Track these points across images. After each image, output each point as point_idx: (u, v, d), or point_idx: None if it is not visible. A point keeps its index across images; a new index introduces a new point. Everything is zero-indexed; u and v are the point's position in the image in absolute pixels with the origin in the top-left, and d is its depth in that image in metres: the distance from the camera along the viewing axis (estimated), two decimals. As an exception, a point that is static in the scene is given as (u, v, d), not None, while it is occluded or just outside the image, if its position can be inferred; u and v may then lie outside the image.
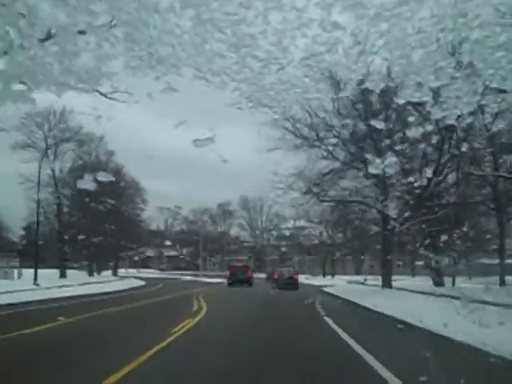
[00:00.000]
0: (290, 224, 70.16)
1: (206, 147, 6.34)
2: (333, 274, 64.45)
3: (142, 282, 39.58)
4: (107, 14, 5.68)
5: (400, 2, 6.24)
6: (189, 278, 57.76)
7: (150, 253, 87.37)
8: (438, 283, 25.39)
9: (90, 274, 47.23)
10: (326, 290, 28.46)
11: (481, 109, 7.76)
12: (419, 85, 6.23)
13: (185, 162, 71.31)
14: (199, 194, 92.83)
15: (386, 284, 24.84)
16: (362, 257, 67.36)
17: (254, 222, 78.85)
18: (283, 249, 76.51)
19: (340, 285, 34.17)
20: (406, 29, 6.36)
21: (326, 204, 28.68)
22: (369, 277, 48.51)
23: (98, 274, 52.79)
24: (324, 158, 25.60)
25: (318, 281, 47.89)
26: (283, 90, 6.24)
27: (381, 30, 6.17)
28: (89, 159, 47.00)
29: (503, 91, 7.20)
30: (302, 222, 66.72)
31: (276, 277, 33.12)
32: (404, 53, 6.14)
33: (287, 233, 69.66)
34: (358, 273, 67.31)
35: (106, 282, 33.96)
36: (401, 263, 65.48)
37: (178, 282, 47.24)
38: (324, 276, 64.14)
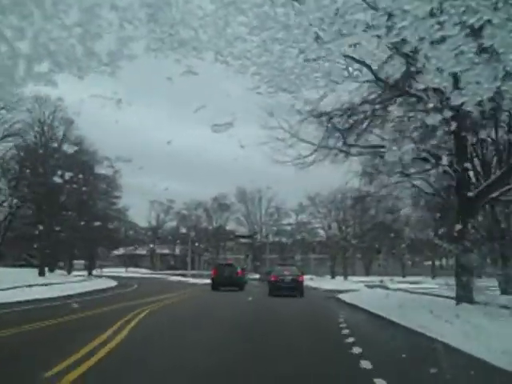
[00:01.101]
0: (292, 219, 69.46)
1: (225, 132, 6.64)
2: (345, 275, 61.53)
3: (112, 284, 35.68)
4: (130, -5, 5.94)
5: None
6: (176, 278, 56.70)
7: (141, 251, 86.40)
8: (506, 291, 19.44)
9: (41, 273, 41.86)
10: (344, 298, 21.67)
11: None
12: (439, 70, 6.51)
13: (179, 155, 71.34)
14: (193, 187, 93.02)
15: (465, 295, 14.38)
16: (379, 254, 65.51)
17: (252, 216, 76.46)
18: (284, 246, 74.35)
19: (361, 290, 27.34)
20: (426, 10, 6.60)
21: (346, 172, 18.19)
22: (381, 278, 47.88)
23: (62, 272, 50.79)
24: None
25: (326, 283, 42.02)
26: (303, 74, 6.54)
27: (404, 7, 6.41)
28: (40, 129, 44.05)
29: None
30: (305, 216, 66.25)
31: (273, 279, 25.56)
32: (426, 34, 6.40)
33: (289, 228, 68.75)
34: (367, 273, 65.90)
35: (57, 284, 29.02)
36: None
37: (159, 282, 43.82)
38: (333, 277, 61.22)
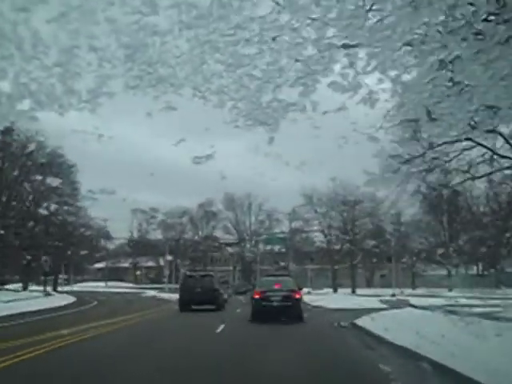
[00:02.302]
0: (285, 227, 67.71)
1: (205, 164, 7.19)
2: (353, 288, 55.64)
3: (66, 302, 34.22)
4: (107, 36, 6.48)
5: (391, 24, 7.08)
6: (152, 293, 55.35)
7: (124, 264, 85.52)
8: None
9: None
10: (370, 328, 14.20)
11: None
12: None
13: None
14: (176, 194, 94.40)
15: None
16: (390, 263, 56.23)
17: (241, 224, 75.08)
18: (277, 255, 71.75)
19: (387, 313, 18.84)
20: (398, 49, 7.20)
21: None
22: (384, 290, 46.03)
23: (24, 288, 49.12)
24: None
25: (330, 299, 34.90)
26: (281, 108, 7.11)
27: (374, 50, 7.01)
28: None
29: (497, 108, 8.04)
30: (300, 222, 63.95)
31: (257, 296, 19.07)
32: (397, 73, 7.00)
33: (281, 236, 66.60)
34: (369, 285, 64.01)
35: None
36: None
37: (127, 299, 41.44)
38: (335, 290, 56.07)
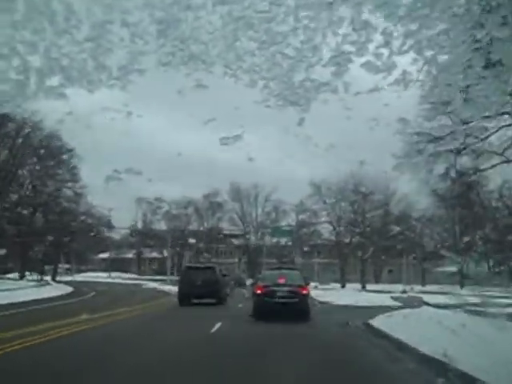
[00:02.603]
0: (292, 219, 67.10)
1: (233, 145, 7.15)
2: (363, 284, 54.21)
3: (62, 292, 34.10)
4: (141, 10, 6.42)
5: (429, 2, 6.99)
6: (154, 284, 54.93)
7: (128, 254, 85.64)
8: None
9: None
10: (386, 330, 12.78)
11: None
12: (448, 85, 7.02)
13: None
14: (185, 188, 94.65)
15: None
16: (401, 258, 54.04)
17: (247, 215, 74.67)
18: (283, 248, 71.11)
19: (402, 313, 15.84)
20: (435, 27, 7.11)
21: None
22: (393, 286, 44.84)
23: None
24: None
25: (339, 295, 34.06)
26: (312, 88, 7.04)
27: (410, 29, 6.92)
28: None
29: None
30: (308, 213, 62.83)
31: (259, 291, 17.70)
32: (433, 53, 6.91)
33: (288, 229, 65.03)
34: (377, 281, 62.63)
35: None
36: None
37: (128, 290, 41.38)
38: (343, 285, 55.00)
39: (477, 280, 49.15)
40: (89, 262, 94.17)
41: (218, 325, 14.44)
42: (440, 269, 60.66)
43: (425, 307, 18.27)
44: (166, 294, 36.56)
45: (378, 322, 14.54)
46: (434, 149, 14.95)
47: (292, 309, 16.97)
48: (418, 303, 22.91)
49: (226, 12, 6.86)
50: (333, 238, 61.43)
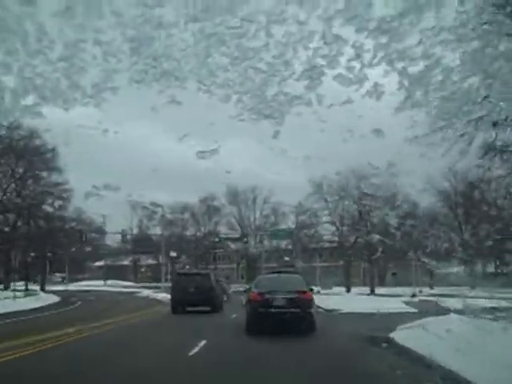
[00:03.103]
0: (291, 222, 65.98)
1: (210, 159, 7.35)
2: (372, 288, 49.42)
3: (42, 304, 32.34)
4: (113, 29, 6.63)
5: (399, 15, 7.22)
6: (148, 292, 53.81)
7: (125, 261, 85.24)
8: None
9: None
10: (419, 350, 9.75)
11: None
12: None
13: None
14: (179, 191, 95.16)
15: None
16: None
17: (245, 219, 74.63)
18: (283, 252, 70.50)
19: (431, 324, 13.00)
20: (405, 41, 7.33)
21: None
22: (400, 290, 42.72)
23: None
24: None
25: (342, 300, 31.00)
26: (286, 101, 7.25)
27: (380, 42, 7.14)
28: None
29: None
30: (308, 214, 61.12)
31: (255, 299, 15.19)
32: (404, 65, 7.13)
33: (287, 231, 63.17)
34: (381, 284, 59.66)
35: None
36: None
37: (117, 299, 40.21)
38: (348, 290, 51.30)
39: (484, 281, 48.49)
40: (85, 271, 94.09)
41: (200, 344, 12.03)
42: (444, 270, 58.58)
43: (450, 315, 14.95)
44: (158, 302, 35.54)
45: (401, 336, 11.97)
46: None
47: (293, 320, 14.57)
48: (436, 309, 21.52)
49: (198, 29, 7.09)
50: (336, 238, 57.83)
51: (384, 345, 11.65)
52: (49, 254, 55.92)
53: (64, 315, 24.44)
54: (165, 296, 41.86)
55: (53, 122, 7.32)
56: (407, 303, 26.84)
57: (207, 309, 23.68)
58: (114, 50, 6.83)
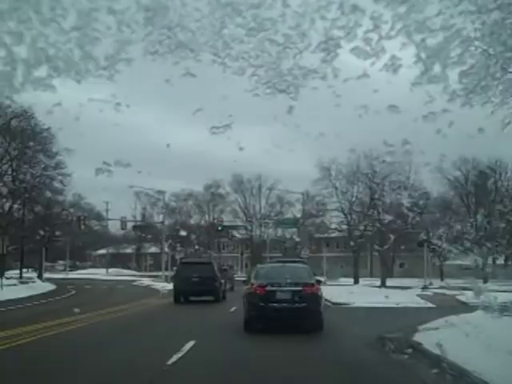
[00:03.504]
0: (297, 211, 65.36)
1: (223, 134, 7.33)
2: (383, 280, 46.15)
3: (32, 292, 32.08)
4: (127, -2, 6.55)
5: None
6: (147, 281, 53.74)
7: (127, 250, 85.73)
8: None
9: None
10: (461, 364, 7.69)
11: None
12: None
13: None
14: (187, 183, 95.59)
15: None
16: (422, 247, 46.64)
17: (250, 208, 74.47)
18: (288, 242, 69.91)
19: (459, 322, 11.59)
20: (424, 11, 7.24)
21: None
22: (410, 281, 42.06)
23: None
24: None
25: (352, 292, 28.57)
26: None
27: (399, 12, 7.05)
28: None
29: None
30: (314, 205, 59.68)
31: (255, 291, 13.81)
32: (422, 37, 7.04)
33: (293, 220, 62.74)
34: (389, 275, 56.61)
35: None
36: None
37: (115, 288, 40.37)
38: (357, 281, 49.62)
39: (495, 274, 47.88)
40: (88, 259, 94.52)
41: (187, 346, 10.33)
42: (449, 262, 58.41)
43: (477, 312, 13.13)
44: (155, 292, 35.48)
45: (430, 340, 9.85)
46: None
47: (298, 316, 13.32)
48: (453, 304, 20.08)
49: (214, -1, 6.99)
50: (344, 227, 55.16)
51: (409, 351, 9.88)
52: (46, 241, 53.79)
53: (47, 307, 23.52)
54: (164, 286, 42.03)
55: (64, 96, 7.27)
56: (422, 297, 25.54)
57: (210, 298, 23.97)
58: (128, 19, 6.77)
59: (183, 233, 65.40)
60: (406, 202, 46.31)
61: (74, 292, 34.92)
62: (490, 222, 50.16)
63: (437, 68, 7.70)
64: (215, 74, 7.59)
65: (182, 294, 24.21)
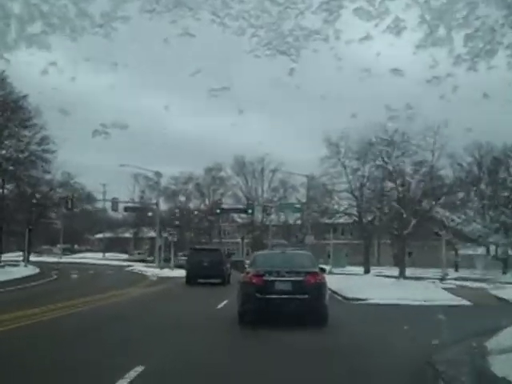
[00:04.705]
0: (302, 194, 63.67)
1: (222, 97, 7.33)
2: (402, 270, 39.87)
3: (6, 278, 30.19)
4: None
5: None
6: (140, 266, 53.16)
7: (125, 234, 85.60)
8: None
9: None
10: None
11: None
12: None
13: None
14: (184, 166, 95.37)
15: None
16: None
17: (252, 192, 73.74)
18: (292, 227, 68.95)
19: None
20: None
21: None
22: (424, 271, 40.15)
23: None
24: None
25: (367, 284, 26.38)
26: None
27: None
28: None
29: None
30: (320, 185, 57.26)
31: (250, 281, 12.58)
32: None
33: (297, 204, 61.13)
34: (397, 264, 54.89)
35: None
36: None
37: (105, 274, 39.50)
38: (367, 271, 46.81)
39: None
40: (86, 243, 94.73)
41: (131, 374, 6.89)
42: (462, 252, 56.17)
43: None
44: (142, 279, 35.33)
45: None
46: None
47: (299, 309, 12.24)
48: (491, 301, 18.34)
49: (213, -46, 6.97)
50: (354, 212, 50.23)
51: None
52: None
53: (12, 295, 21.22)
54: (154, 271, 42.52)
55: (59, 55, 7.26)
56: (449, 291, 22.99)
57: (218, 281, 27.49)
58: (125, -25, 6.76)
59: (177, 222, 65.31)
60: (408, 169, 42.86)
61: (55, 277, 33.35)
62: (495, 191, 48.91)
63: (441, 30, 7.69)
64: (214, 35, 7.59)
65: (194, 277, 27.94)
